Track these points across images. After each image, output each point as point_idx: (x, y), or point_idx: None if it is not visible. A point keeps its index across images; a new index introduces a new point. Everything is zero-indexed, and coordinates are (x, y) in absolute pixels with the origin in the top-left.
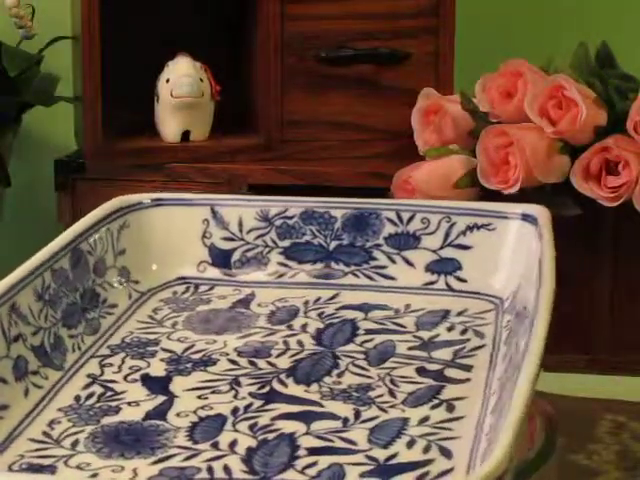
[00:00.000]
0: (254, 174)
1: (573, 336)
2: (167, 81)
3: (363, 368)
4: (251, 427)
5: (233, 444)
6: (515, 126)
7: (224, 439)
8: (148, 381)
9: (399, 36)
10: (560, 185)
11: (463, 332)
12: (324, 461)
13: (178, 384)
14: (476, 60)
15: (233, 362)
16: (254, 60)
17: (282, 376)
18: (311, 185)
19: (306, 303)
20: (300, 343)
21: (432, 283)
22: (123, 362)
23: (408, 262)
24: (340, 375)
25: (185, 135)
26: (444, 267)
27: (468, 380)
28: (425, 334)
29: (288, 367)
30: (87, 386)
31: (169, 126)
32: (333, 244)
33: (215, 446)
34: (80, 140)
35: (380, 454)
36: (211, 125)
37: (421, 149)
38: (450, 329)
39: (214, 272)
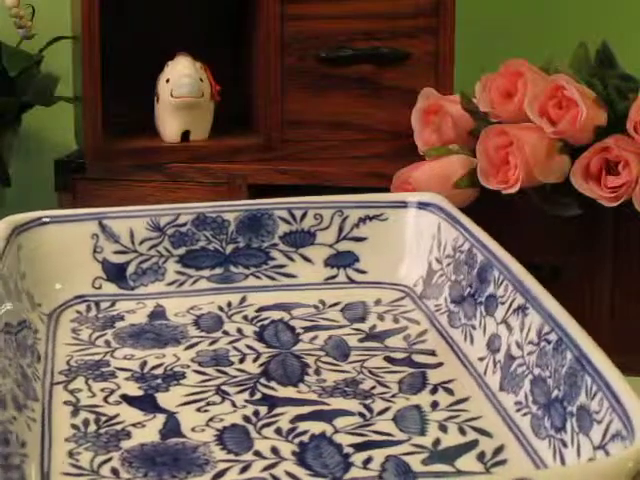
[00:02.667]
0: (254, 174)
1: None
2: (167, 81)
3: (334, 364)
4: (278, 432)
5: (275, 451)
6: (515, 126)
7: (261, 447)
8: (133, 402)
9: (399, 36)
10: (560, 185)
11: (395, 320)
12: (377, 455)
13: (165, 401)
14: (476, 60)
15: (201, 373)
16: (254, 60)
17: (262, 380)
18: (311, 185)
19: (221, 309)
20: (251, 347)
21: (333, 277)
22: (89, 386)
23: (306, 259)
24: (318, 373)
25: (185, 135)
26: (342, 261)
27: (442, 364)
28: (362, 326)
29: (260, 371)
30: (75, 414)
31: (169, 126)
32: (229, 248)
33: (259, 454)
34: (80, 140)
35: (424, 441)
36: (211, 125)
37: (421, 149)
38: (381, 319)
39: (111, 287)
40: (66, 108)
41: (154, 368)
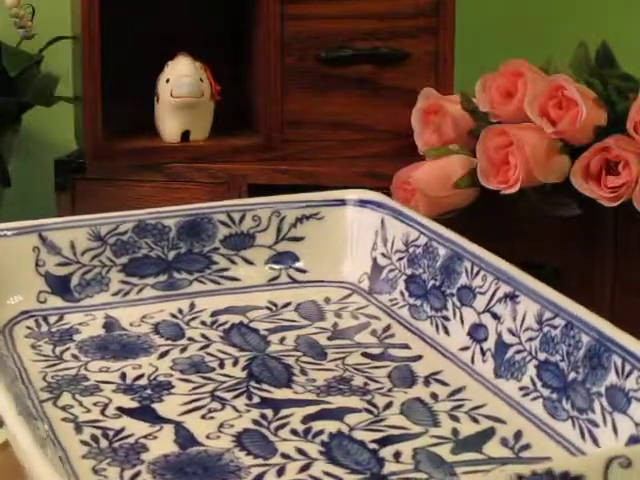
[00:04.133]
0: (254, 174)
1: None
2: (167, 81)
3: (316, 363)
4: (294, 433)
5: (302, 452)
6: (515, 126)
7: (286, 449)
8: (133, 414)
9: (399, 36)
10: (560, 185)
11: (355, 317)
12: (404, 448)
13: (165, 411)
14: (476, 60)
15: (187, 381)
16: (254, 60)
17: (252, 384)
18: (311, 185)
19: (174, 316)
20: (225, 352)
21: (275, 278)
22: (79, 401)
23: (248, 261)
24: (305, 373)
25: (185, 135)
26: (283, 261)
27: (421, 357)
28: (324, 324)
29: (246, 375)
30: (79, 430)
31: (169, 126)
32: (171, 254)
33: (287, 457)
34: (80, 140)
35: (442, 432)
36: (211, 125)
37: (421, 149)
38: (339, 316)
39: (56, 301)
40: (66, 108)
41: (137, 379)
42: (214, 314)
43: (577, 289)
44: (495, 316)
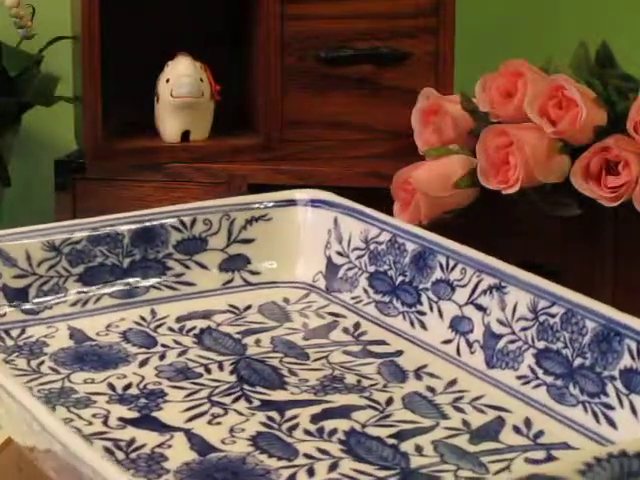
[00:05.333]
0: (254, 174)
1: None
2: (167, 81)
3: (302, 364)
4: (308, 433)
5: (324, 451)
6: (515, 126)
7: (307, 449)
8: (138, 424)
9: (399, 36)
10: (560, 185)
11: (320, 316)
12: (423, 442)
13: (169, 419)
14: (476, 60)
15: (179, 388)
16: (254, 60)
17: (246, 387)
18: (311, 185)
19: (139, 324)
20: (205, 357)
21: (230, 282)
22: (77, 414)
23: (202, 265)
24: (294, 374)
25: (185, 135)
26: (235, 264)
27: (402, 352)
28: (293, 325)
29: (237, 379)
30: (89, 443)
31: (169, 126)
32: (126, 261)
33: (311, 457)
34: (80, 140)
35: (454, 424)
36: (211, 125)
37: (421, 149)
38: (305, 316)
39: (16, 314)
40: (66, 108)
41: (127, 389)
42: (179, 320)
43: (577, 289)
44: (480, 308)
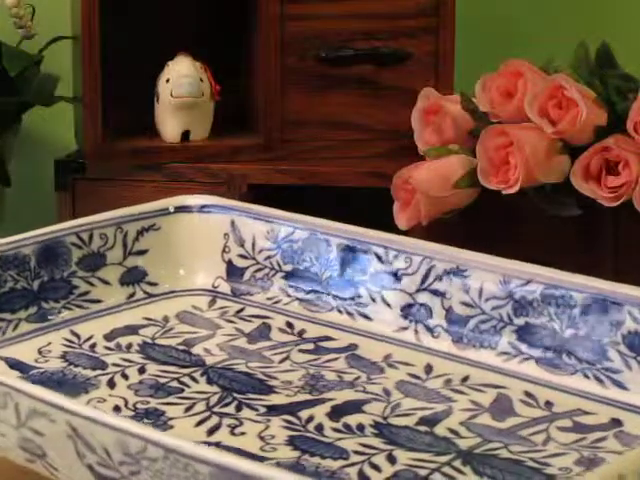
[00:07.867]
0: (254, 174)
1: None
2: (167, 81)
3: (271, 367)
4: (339, 431)
5: (369, 446)
6: (515, 126)
7: (351, 446)
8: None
9: (399, 36)
10: (560, 185)
11: (246, 320)
12: (452, 425)
13: (190, 436)
14: (476, 60)
15: (169, 404)
16: (254, 60)
17: (237, 395)
18: (311, 185)
19: (70, 347)
20: (169, 372)
21: (132, 295)
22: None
23: (104, 281)
24: (272, 377)
25: (185, 135)
26: (134, 277)
27: (357, 345)
28: (228, 330)
29: (220, 389)
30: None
31: (169, 126)
32: (35, 284)
33: (362, 453)
34: (80, 140)
35: (467, 405)
36: (211, 125)
37: (421, 149)
38: (231, 321)
39: None
40: (66, 108)
41: (116, 410)
42: (108, 338)
43: None
44: (437, 293)
